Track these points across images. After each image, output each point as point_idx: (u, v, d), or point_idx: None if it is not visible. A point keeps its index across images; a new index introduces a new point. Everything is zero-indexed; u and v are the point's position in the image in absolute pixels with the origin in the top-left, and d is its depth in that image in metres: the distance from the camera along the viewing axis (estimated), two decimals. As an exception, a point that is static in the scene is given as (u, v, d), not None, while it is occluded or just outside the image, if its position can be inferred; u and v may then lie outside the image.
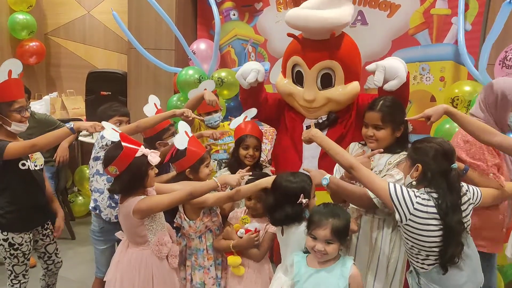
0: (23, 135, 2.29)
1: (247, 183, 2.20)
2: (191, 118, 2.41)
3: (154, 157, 1.89)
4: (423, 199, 1.65)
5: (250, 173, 2.18)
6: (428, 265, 1.70)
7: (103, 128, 2.05)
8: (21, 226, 2.22)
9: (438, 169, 1.66)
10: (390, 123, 1.97)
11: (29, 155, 2.24)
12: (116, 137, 1.88)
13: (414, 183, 1.71)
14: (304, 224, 1.83)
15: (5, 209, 2.20)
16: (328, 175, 1.91)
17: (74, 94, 4.55)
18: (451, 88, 2.57)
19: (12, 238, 2.20)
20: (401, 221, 1.66)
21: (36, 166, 2.28)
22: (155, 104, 2.54)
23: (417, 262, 1.73)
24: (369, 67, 2.06)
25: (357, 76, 2.31)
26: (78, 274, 3.02)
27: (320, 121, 2.31)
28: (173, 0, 3.54)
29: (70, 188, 4.24)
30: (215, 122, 2.82)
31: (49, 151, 3.34)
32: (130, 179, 1.89)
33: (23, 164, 2.19)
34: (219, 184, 1.94)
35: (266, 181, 2.01)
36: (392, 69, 2.01)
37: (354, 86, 2.27)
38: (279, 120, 2.52)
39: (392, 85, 2.02)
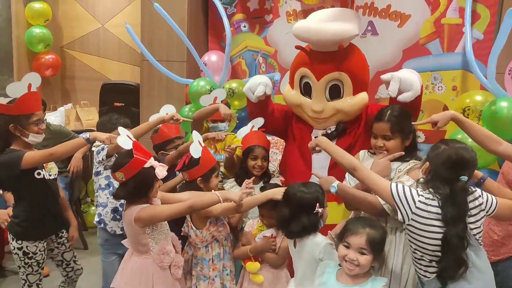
0: (38, 146, 2.33)
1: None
2: (180, 121, 2.42)
3: (161, 171, 1.92)
4: (426, 198, 1.61)
5: (253, 190, 2.17)
6: (431, 272, 1.64)
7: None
8: (35, 235, 2.25)
9: (444, 176, 1.60)
10: (399, 132, 1.98)
11: (44, 165, 2.28)
12: (129, 145, 1.91)
13: (422, 180, 1.70)
14: (319, 235, 1.82)
15: (21, 217, 2.24)
16: (336, 183, 1.91)
17: (88, 105, 4.64)
18: (462, 98, 2.55)
19: (27, 247, 2.23)
20: (404, 221, 1.63)
21: (50, 175, 2.32)
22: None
23: (420, 268, 1.68)
24: (384, 77, 2.06)
25: (365, 86, 2.31)
26: (90, 284, 3.04)
27: (329, 131, 2.31)
28: (185, 13, 3.60)
29: (83, 199, 4.28)
30: (219, 131, 2.80)
31: (63, 162, 3.40)
32: (134, 187, 1.92)
33: (38, 174, 2.23)
34: (221, 200, 1.95)
35: (272, 193, 2.04)
36: (407, 80, 2.01)
37: (363, 96, 2.27)
38: (286, 131, 2.53)
39: (406, 97, 2.02)
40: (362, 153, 2.19)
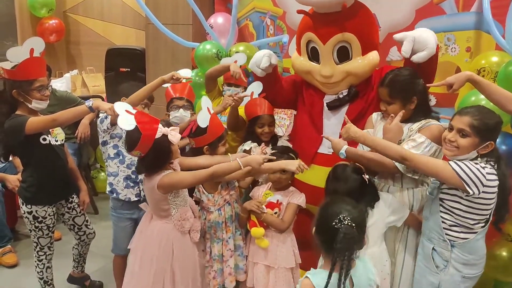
0: (44, 112, 2.32)
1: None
2: (181, 79, 2.35)
3: (174, 136, 1.90)
4: (490, 167, 1.68)
5: (274, 158, 2.16)
6: (473, 232, 1.74)
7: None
8: (44, 200, 2.29)
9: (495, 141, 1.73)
10: (399, 97, 1.97)
11: (50, 131, 2.28)
12: (130, 125, 1.84)
13: (479, 158, 1.72)
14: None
15: (28, 183, 2.27)
16: (344, 148, 1.95)
17: (94, 71, 4.60)
18: (477, 59, 2.45)
19: (36, 211, 2.27)
20: (474, 194, 1.66)
21: (57, 141, 2.32)
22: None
23: (461, 233, 1.75)
24: (397, 37, 1.99)
25: (375, 45, 2.23)
26: (101, 247, 3.11)
27: (341, 96, 2.25)
28: (189, -26, 3.48)
29: (92, 165, 4.32)
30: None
31: (70, 128, 3.41)
32: (154, 159, 1.91)
33: (44, 139, 2.24)
34: (242, 167, 1.94)
35: (285, 163, 2.07)
36: (421, 39, 1.94)
37: (373, 56, 2.19)
38: (297, 100, 2.49)
39: (420, 57, 1.95)
40: (375, 115, 2.17)
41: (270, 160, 2.04)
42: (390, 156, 1.81)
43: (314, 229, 1.54)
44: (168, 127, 1.95)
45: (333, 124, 2.27)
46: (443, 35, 2.80)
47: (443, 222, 1.77)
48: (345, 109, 2.26)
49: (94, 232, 2.62)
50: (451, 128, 1.75)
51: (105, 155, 2.47)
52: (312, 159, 2.30)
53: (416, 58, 1.96)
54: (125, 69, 3.96)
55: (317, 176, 2.30)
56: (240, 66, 2.71)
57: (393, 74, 2.00)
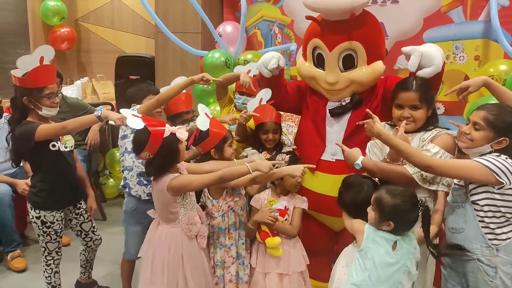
0: (55, 119, 2.36)
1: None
2: (210, 81, 2.36)
3: (182, 133, 1.93)
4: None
5: (284, 161, 2.19)
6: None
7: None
8: (52, 205, 2.31)
9: None
10: (426, 102, 1.97)
11: (59, 137, 2.31)
12: (139, 125, 1.87)
13: (494, 153, 1.70)
14: None
15: (38, 188, 2.30)
16: (360, 159, 1.93)
17: (104, 78, 4.66)
18: (486, 67, 2.45)
19: (44, 216, 2.30)
20: (506, 185, 1.65)
21: (66, 147, 2.35)
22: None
23: (503, 233, 1.73)
24: (405, 49, 2.00)
25: (380, 55, 2.23)
26: (109, 254, 3.13)
27: (344, 103, 2.26)
28: (199, -17, 3.53)
29: (101, 171, 4.36)
30: (242, 103, 2.77)
31: (80, 135, 3.46)
32: (163, 159, 1.93)
33: (53, 146, 2.27)
34: (251, 171, 1.95)
35: (291, 169, 2.09)
36: (429, 55, 1.95)
37: (378, 66, 2.19)
38: (301, 106, 2.49)
39: (426, 73, 1.97)
40: (382, 125, 2.14)
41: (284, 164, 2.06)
42: (414, 163, 1.78)
43: (385, 220, 1.71)
44: None
45: (335, 132, 2.27)
46: (451, 43, 2.81)
47: (484, 227, 1.74)
48: (347, 116, 2.25)
49: (100, 239, 2.63)
50: (468, 123, 1.78)
51: (122, 149, 2.44)
52: (316, 166, 2.30)
53: (421, 73, 1.97)
54: (135, 77, 4.00)
55: (321, 183, 2.31)
56: (254, 76, 2.73)
57: (417, 80, 1.99)
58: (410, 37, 2.92)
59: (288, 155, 2.28)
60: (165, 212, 2.02)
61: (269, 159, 2.27)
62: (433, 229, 1.83)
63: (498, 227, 1.72)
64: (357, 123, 2.10)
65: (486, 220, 1.73)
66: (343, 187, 1.96)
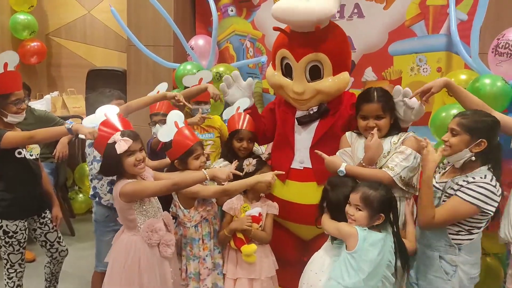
0: (21, 127, 2.30)
1: (245, 173, 2.23)
2: (182, 103, 2.39)
3: (120, 146, 1.87)
4: (496, 180, 1.73)
5: (251, 165, 2.20)
6: (477, 232, 1.79)
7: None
8: (15, 214, 2.24)
9: (497, 144, 1.76)
10: (389, 111, 2.07)
11: (25, 145, 2.26)
12: (91, 124, 1.93)
13: (473, 158, 1.76)
14: None
15: (0, 196, 2.22)
16: (343, 166, 2.00)
17: (75, 93, 4.59)
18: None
19: (7, 225, 2.22)
20: (491, 214, 1.73)
21: (31, 155, 2.29)
22: (158, 92, 2.54)
23: (467, 234, 1.78)
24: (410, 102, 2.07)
25: (346, 67, 2.30)
26: (77, 269, 3.04)
27: (311, 112, 2.31)
28: (171, -3, 3.58)
29: (71, 187, 4.25)
30: (203, 113, 2.77)
31: (48, 148, 3.37)
32: (105, 163, 1.95)
33: (19, 153, 2.22)
34: (208, 177, 1.95)
35: (262, 176, 2.12)
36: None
37: (344, 77, 2.26)
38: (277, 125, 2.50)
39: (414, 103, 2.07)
40: (349, 134, 2.21)
41: (239, 177, 2.07)
42: (424, 214, 1.79)
43: (375, 214, 1.79)
44: None
45: (304, 139, 2.32)
46: (415, 56, 2.93)
47: (448, 228, 1.80)
48: (315, 124, 2.31)
49: (67, 250, 2.54)
50: (447, 131, 1.85)
51: (90, 157, 2.42)
52: (286, 175, 2.32)
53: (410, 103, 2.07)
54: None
55: (291, 191, 2.33)
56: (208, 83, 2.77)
57: (379, 90, 2.09)
58: (376, 50, 3.03)
59: (255, 159, 2.29)
60: (123, 219, 1.99)
61: (237, 164, 2.28)
62: (407, 244, 1.91)
63: (464, 232, 1.79)
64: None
65: (453, 229, 1.80)
66: (330, 186, 1.98)
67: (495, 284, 2.35)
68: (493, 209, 1.71)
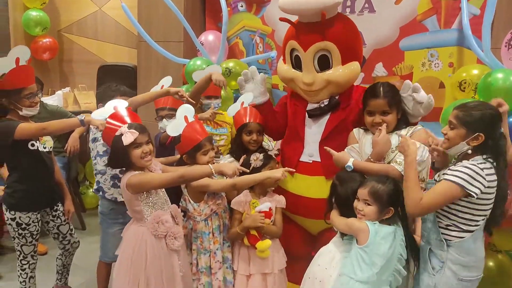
0: (35, 121, 2.33)
1: (252, 168, 2.23)
2: (185, 98, 2.39)
3: (126, 138, 1.90)
4: (489, 166, 1.69)
5: (259, 159, 2.20)
6: (469, 231, 1.73)
7: None
8: (28, 206, 2.27)
9: (497, 136, 1.72)
10: (395, 106, 2.05)
11: (39, 138, 2.29)
12: (101, 116, 1.98)
13: (470, 151, 1.73)
14: None
15: (13, 188, 2.26)
16: (351, 161, 1.99)
17: (86, 89, 4.63)
18: (459, 72, 2.53)
19: (20, 217, 2.25)
20: (476, 195, 1.66)
21: (45, 148, 2.32)
22: (162, 86, 2.54)
23: (456, 231, 1.74)
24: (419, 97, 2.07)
25: (356, 57, 2.28)
26: (88, 263, 3.06)
27: (322, 105, 2.30)
28: (182, -7, 3.59)
29: (82, 182, 4.30)
30: (214, 108, 2.76)
31: (60, 142, 3.42)
32: (112, 155, 1.97)
33: (32, 145, 2.24)
34: (214, 172, 1.95)
35: (270, 172, 2.13)
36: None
37: (354, 66, 2.24)
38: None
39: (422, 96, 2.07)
40: (356, 130, 2.21)
41: (244, 172, 2.07)
42: (410, 198, 1.75)
43: (384, 207, 1.80)
44: None
45: (313, 133, 2.31)
46: (426, 51, 2.90)
47: (439, 221, 1.77)
48: (326, 118, 2.30)
49: (78, 241, 2.58)
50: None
51: (93, 152, 2.45)
52: (295, 168, 2.32)
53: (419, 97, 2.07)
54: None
55: (299, 184, 2.33)
56: None
57: (386, 85, 2.07)
58: (387, 45, 3.01)
59: (262, 153, 2.29)
60: (131, 210, 2.01)
61: (244, 159, 2.28)
62: (417, 238, 1.91)
63: (453, 228, 1.75)
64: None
65: (443, 221, 1.77)
66: (338, 181, 1.98)
67: (506, 282, 2.32)
68: (478, 191, 1.64)
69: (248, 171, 2.15)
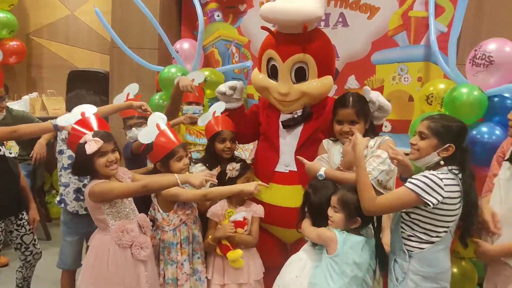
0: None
1: (228, 178, 2.22)
2: (149, 112, 2.37)
3: (90, 146, 1.86)
4: (452, 176, 1.69)
5: (216, 182, 2.15)
6: (430, 242, 1.73)
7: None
8: None
9: (464, 148, 1.74)
10: (363, 116, 2.11)
11: (4, 142, 2.20)
12: (67, 123, 1.94)
13: (442, 162, 1.73)
14: None
15: None
16: (322, 170, 2.01)
17: (55, 94, 4.50)
18: (426, 86, 2.63)
19: None
20: (432, 205, 1.66)
21: (10, 153, 2.24)
22: (128, 94, 2.51)
23: (417, 242, 1.75)
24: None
25: (330, 71, 2.34)
26: (53, 274, 2.92)
27: (295, 115, 2.33)
28: (157, 0, 3.57)
29: (48, 191, 4.15)
30: (193, 114, 2.76)
31: (25, 149, 3.29)
32: (76, 162, 1.94)
33: None
34: (179, 182, 1.92)
35: (244, 186, 2.14)
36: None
37: (328, 80, 2.30)
38: (259, 127, 2.52)
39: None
40: (325, 141, 2.25)
41: (222, 182, 2.07)
42: (364, 197, 1.77)
43: (352, 217, 1.81)
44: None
45: (288, 143, 2.33)
46: (397, 65, 3.00)
47: (402, 232, 1.79)
48: (300, 128, 2.33)
49: (41, 252, 2.48)
50: (415, 134, 1.83)
51: (59, 164, 2.44)
52: (270, 178, 2.33)
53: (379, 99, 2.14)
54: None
55: (275, 194, 2.34)
56: (199, 84, 2.75)
57: (355, 96, 2.13)
58: (359, 59, 3.10)
59: (239, 163, 2.28)
60: (94, 219, 1.98)
61: (219, 169, 2.26)
62: (386, 248, 1.90)
63: (414, 238, 1.75)
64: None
65: (406, 231, 1.78)
66: (311, 190, 1.99)
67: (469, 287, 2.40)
68: (434, 201, 1.64)
69: (216, 182, 2.12)
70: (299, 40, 2.21)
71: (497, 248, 1.79)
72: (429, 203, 1.65)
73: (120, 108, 2.44)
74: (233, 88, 2.41)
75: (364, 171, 1.80)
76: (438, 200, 1.65)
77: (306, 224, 1.95)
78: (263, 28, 2.29)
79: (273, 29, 2.33)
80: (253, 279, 2.21)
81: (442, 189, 1.66)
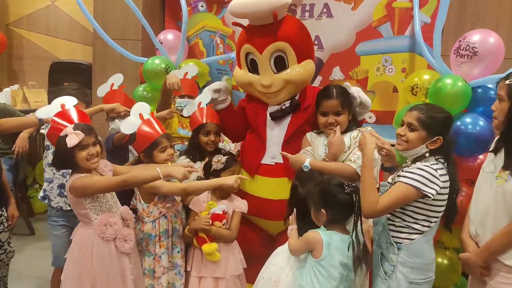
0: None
1: (213, 170, 2.20)
2: (122, 113, 2.35)
3: (71, 139, 1.83)
4: (442, 167, 1.72)
5: (198, 172, 2.14)
6: (419, 233, 1.74)
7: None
8: None
9: (450, 139, 1.76)
10: (347, 107, 2.15)
11: None
12: (47, 115, 1.92)
13: (427, 154, 1.74)
14: None
15: None
16: (307, 161, 2.02)
17: (37, 87, 4.42)
18: (411, 77, 2.62)
19: None
20: (433, 196, 1.67)
21: (-10, 147, 2.19)
22: (112, 84, 2.48)
23: (407, 233, 1.75)
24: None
25: (310, 55, 2.33)
26: (37, 270, 2.93)
27: (283, 107, 2.32)
28: (140, -10, 3.51)
29: (31, 185, 4.09)
30: (177, 107, 2.71)
31: (7, 143, 3.23)
32: (56, 155, 1.92)
33: None
34: (161, 176, 1.90)
35: (224, 180, 2.12)
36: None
37: (309, 65, 2.29)
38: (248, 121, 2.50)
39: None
40: (309, 134, 2.26)
41: (201, 177, 2.05)
42: (367, 201, 1.72)
43: (318, 210, 1.76)
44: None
45: (276, 135, 2.33)
46: (381, 56, 3.00)
47: (391, 224, 1.78)
48: (288, 120, 2.32)
49: (13, 251, 2.41)
50: (402, 124, 1.80)
51: (45, 160, 2.43)
52: (256, 170, 2.32)
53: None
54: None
55: (261, 187, 2.33)
56: (192, 77, 2.73)
57: (338, 87, 2.15)
58: (344, 50, 3.09)
59: (225, 156, 2.27)
60: (76, 213, 1.96)
61: (206, 161, 2.25)
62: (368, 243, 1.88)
63: (405, 230, 1.76)
64: None
65: (396, 223, 1.77)
66: (298, 182, 1.97)
67: (454, 278, 2.43)
68: (434, 192, 1.66)
69: (199, 173, 2.11)
70: (272, 30, 2.21)
71: (476, 253, 1.75)
72: (429, 194, 1.67)
73: (91, 113, 2.35)
74: (218, 91, 2.40)
75: (372, 173, 1.77)
76: (436, 191, 1.68)
77: (292, 239, 1.89)
78: (235, 24, 2.29)
79: (243, 22, 2.31)
80: (230, 274, 2.17)
81: (438, 179, 1.68)
